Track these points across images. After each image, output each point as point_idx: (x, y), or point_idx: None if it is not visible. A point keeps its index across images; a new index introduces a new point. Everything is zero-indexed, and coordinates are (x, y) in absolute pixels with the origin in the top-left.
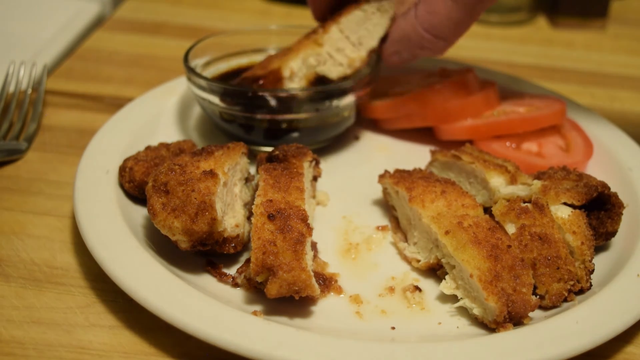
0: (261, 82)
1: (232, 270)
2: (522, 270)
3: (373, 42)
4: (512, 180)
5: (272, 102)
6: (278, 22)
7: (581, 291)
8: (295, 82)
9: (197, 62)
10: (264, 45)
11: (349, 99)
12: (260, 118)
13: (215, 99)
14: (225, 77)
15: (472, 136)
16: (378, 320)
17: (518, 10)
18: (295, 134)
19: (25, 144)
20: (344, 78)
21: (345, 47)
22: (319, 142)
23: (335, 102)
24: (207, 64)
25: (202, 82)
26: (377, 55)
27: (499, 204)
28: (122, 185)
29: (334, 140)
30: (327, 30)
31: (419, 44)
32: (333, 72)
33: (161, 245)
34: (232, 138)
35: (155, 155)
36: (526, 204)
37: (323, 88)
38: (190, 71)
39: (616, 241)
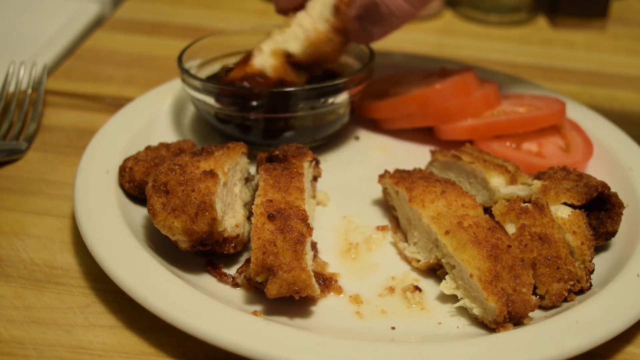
0: (232, 65)
1: (232, 270)
2: (522, 270)
3: (327, 14)
4: (512, 180)
5: (267, 100)
6: (277, 22)
7: (581, 291)
8: (264, 59)
9: (191, 64)
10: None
11: (343, 97)
12: (255, 117)
13: (210, 100)
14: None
15: (472, 136)
16: (378, 320)
17: (518, 10)
18: (291, 133)
19: (25, 144)
20: (330, 72)
21: (306, 22)
22: (315, 140)
23: (329, 100)
24: (202, 65)
25: (197, 83)
26: (370, 52)
27: (499, 204)
28: (122, 185)
29: (333, 140)
30: (296, 14)
31: (381, 3)
32: (293, 46)
33: (161, 245)
34: (228, 138)
35: (155, 155)
36: (526, 204)
37: (317, 86)
38: (185, 72)
39: (616, 241)
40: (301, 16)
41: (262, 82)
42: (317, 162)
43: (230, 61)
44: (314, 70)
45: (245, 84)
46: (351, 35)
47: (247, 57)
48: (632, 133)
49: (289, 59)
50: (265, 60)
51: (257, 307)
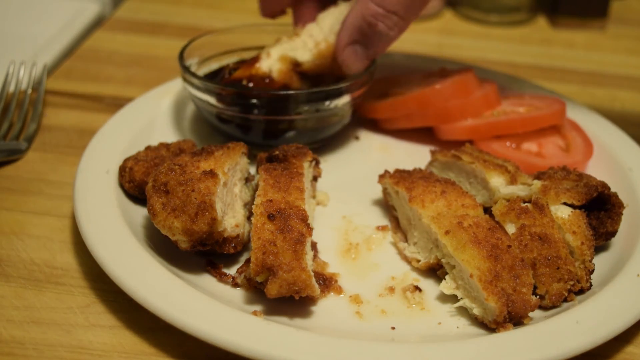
0: (235, 65)
1: (232, 270)
2: (522, 270)
3: (339, 28)
4: (512, 180)
5: (269, 101)
6: (277, 21)
7: (581, 291)
8: (271, 63)
9: (190, 62)
10: (259, 43)
11: (344, 100)
12: (256, 118)
13: (212, 99)
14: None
15: (472, 136)
16: (378, 320)
17: (518, 10)
18: (292, 134)
19: (25, 144)
20: (339, 80)
21: (317, 34)
22: (315, 141)
23: (330, 103)
24: (201, 63)
25: (198, 82)
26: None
27: (499, 204)
28: (122, 185)
29: (333, 140)
30: (306, 25)
31: (372, 21)
32: (303, 55)
33: (161, 245)
34: (228, 138)
35: (155, 155)
36: (526, 204)
37: (319, 89)
38: (186, 71)
39: (616, 241)
40: (312, 27)
41: (267, 85)
42: (317, 162)
43: (229, 59)
44: (317, 83)
45: (250, 85)
46: (344, 65)
47: (253, 59)
48: (632, 133)
49: (296, 68)
50: (272, 64)
51: (257, 307)
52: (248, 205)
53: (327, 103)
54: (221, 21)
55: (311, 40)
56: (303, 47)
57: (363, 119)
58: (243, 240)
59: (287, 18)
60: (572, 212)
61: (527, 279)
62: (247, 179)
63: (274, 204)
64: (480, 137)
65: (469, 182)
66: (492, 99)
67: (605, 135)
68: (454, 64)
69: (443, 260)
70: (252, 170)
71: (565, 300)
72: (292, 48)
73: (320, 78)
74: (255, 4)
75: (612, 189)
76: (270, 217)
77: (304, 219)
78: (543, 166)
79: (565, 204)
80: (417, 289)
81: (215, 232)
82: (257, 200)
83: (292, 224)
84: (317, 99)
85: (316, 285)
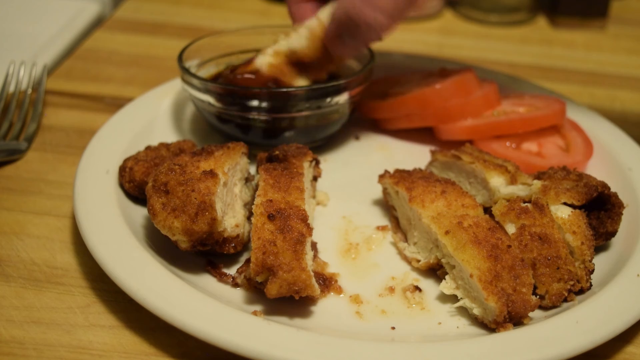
0: (236, 64)
1: (232, 270)
2: (522, 270)
3: None
4: (512, 180)
5: (267, 100)
6: (278, 22)
7: (581, 291)
8: (264, 58)
9: (190, 64)
10: (259, 45)
11: (343, 97)
12: (255, 117)
13: (211, 99)
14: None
15: (472, 136)
16: (378, 320)
17: (518, 10)
18: (292, 133)
19: (25, 144)
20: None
21: (312, 23)
22: (316, 140)
23: (329, 100)
24: (201, 65)
25: (197, 82)
26: (370, 52)
27: (499, 204)
28: (122, 185)
29: (333, 140)
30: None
31: (357, 18)
32: (298, 44)
33: (161, 245)
34: (228, 138)
35: (155, 155)
36: (526, 204)
37: (317, 86)
38: (185, 71)
39: (616, 241)
40: (310, 22)
41: (253, 80)
42: (317, 162)
43: (230, 61)
44: (318, 72)
45: (239, 77)
46: (334, 53)
47: (251, 60)
48: (632, 133)
49: (293, 58)
50: (264, 59)
51: (257, 307)
52: (248, 205)
53: (327, 100)
54: (221, 21)
55: (306, 29)
56: (299, 37)
57: (363, 119)
58: (243, 240)
59: (287, 20)
60: (572, 212)
61: (527, 279)
62: (247, 179)
63: (274, 204)
64: (480, 137)
65: (469, 182)
66: (492, 99)
67: (605, 135)
68: (454, 64)
69: (443, 260)
70: (252, 170)
71: (565, 300)
72: (287, 43)
73: (320, 72)
74: (256, 5)
75: (612, 189)
76: (270, 217)
77: (304, 219)
78: (543, 166)
79: (565, 204)
80: (417, 289)
81: (215, 232)
82: (257, 200)
83: (292, 224)
84: (315, 97)
85: (316, 285)
